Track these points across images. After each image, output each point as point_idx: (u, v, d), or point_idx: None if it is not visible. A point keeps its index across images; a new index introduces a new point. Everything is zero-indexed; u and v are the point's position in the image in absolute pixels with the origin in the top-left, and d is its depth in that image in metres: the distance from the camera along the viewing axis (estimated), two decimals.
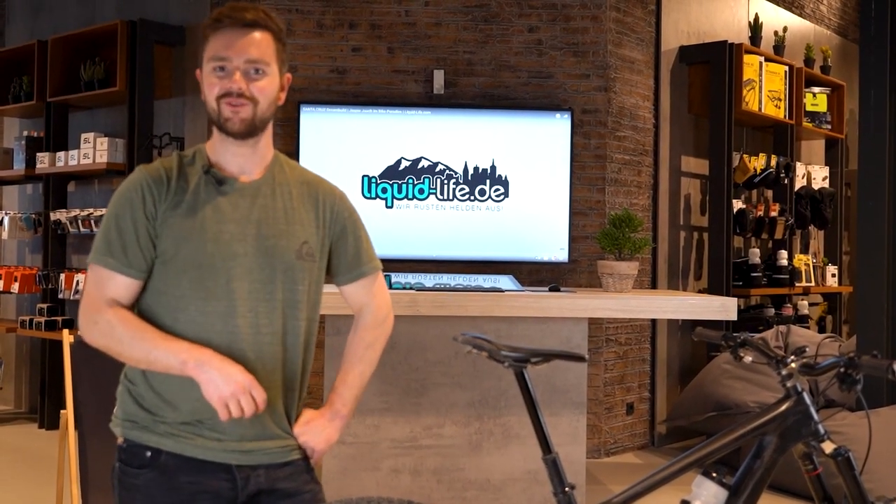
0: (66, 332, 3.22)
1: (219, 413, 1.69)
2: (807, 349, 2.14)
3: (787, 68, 6.51)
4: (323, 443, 1.89)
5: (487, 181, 5.19)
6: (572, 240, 5.25)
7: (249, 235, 1.81)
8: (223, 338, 1.77)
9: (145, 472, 1.76)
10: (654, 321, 5.85)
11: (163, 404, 1.79)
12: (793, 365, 2.08)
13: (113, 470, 1.82)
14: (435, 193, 5.16)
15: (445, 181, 5.16)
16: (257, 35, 1.78)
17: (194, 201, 1.79)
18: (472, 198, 5.17)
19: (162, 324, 1.78)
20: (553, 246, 5.19)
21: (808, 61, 7.05)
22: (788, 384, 2.09)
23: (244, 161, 1.85)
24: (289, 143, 5.20)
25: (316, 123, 5.12)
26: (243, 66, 1.77)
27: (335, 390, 1.96)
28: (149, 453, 1.77)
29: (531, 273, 5.29)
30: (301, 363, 1.89)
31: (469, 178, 5.16)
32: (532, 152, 5.21)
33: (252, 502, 1.82)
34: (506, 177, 5.19)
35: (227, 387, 1.67)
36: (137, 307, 1.83)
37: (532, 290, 4.13)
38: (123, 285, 1.77)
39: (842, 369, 2.04)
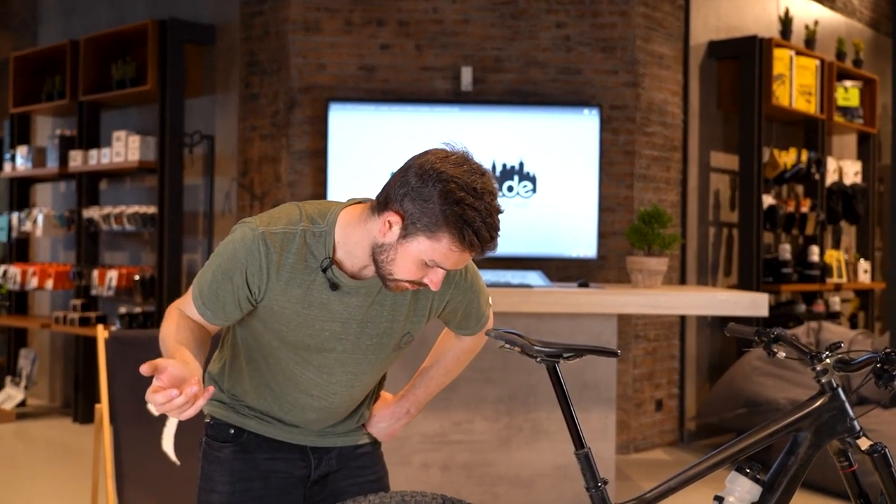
0: (100, 327, 3.26)
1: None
2: (841, 345, 2.12)
3: (818, 62, 6.43)
4: (386, 437, 2.05)
5: (516, 177, 5.18)
6: (601, 236, 5.24)
7: (351, 334, 1.80)
8: (305, 399, 1.88)
9: (228, 447, 1.91)
10: (683, 317, 5.82)
11: (240, 398, 1.93)
12: (828, 361, 2.06)
13: (200, 444, 1.98)
14: None
15: None
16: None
17: (305, 297, 1.75)
18: (500, 194, 5.15)
19: (256, 357, 1.86)
20: (582, 242, 5.18)
21: (840, 55, 6.96)
22: (823, 380, 2.07)
23: (370, 262, 1.76)
24: (317, 140, 5.23)
25: (344, 121, 5.14)
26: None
27: (413, 391, 2.05)
28: (232, 430, 1.91)
29: (560, 269, 5.28)
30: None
31: (497, 174, 5.15)
32: (560, 148, 5.19)
33: (322, 481, 1.96)
34: (534, 173, 5.18)
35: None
36: (239, 334, 1.88)
37: (561, 287, 4.13)
38: (208, 323, 1.80)
39: (878, 365, 2.02)
